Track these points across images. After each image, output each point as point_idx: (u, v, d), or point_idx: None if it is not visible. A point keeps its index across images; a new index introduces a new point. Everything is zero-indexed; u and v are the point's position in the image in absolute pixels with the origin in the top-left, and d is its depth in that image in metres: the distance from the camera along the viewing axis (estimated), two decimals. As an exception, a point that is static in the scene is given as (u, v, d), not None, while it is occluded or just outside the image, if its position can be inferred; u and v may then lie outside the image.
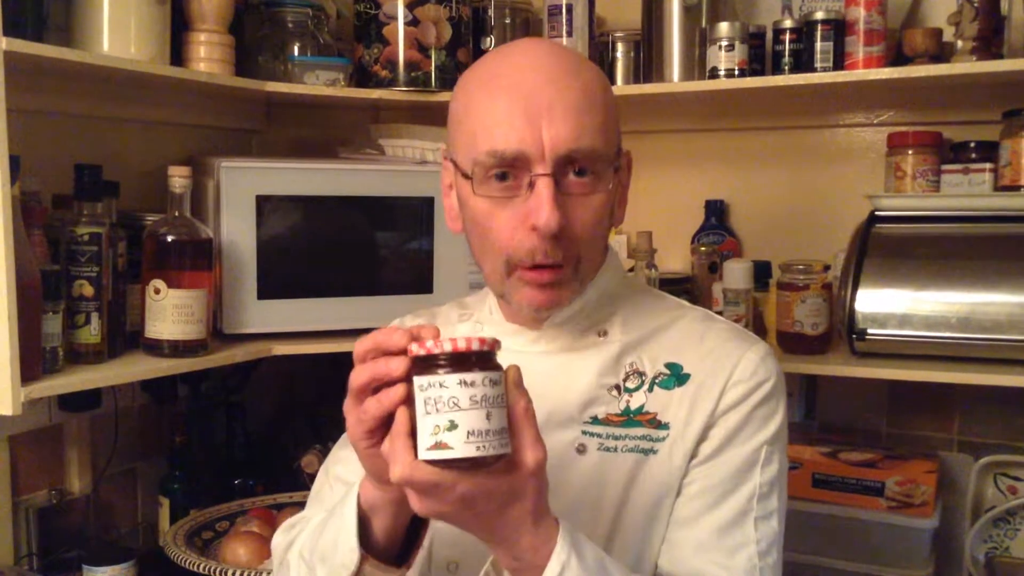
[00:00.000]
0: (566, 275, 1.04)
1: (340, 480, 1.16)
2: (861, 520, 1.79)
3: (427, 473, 0.83)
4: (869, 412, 2.00)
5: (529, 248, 1.01)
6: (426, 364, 0.83)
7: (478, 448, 0.81)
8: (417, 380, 0.83)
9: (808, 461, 1.86)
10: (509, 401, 0.86)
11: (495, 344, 0.85)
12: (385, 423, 0.87)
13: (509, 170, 1.01)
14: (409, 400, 0.85)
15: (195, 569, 1.61)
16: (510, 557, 0.91)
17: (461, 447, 0.81)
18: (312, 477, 1.93)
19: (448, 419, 0.81)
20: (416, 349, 0.84)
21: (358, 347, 0.90)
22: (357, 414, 0.90)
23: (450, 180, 1.12)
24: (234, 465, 2.05)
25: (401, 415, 0.85)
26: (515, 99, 1.00)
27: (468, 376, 0.82)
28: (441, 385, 0.82)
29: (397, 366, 0.86)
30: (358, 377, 0.89)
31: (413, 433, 0.84)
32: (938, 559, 1.82)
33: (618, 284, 1.15)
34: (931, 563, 1.78)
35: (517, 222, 1.01)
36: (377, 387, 0.88)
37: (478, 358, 0.83)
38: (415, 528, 1.00)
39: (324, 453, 1.96)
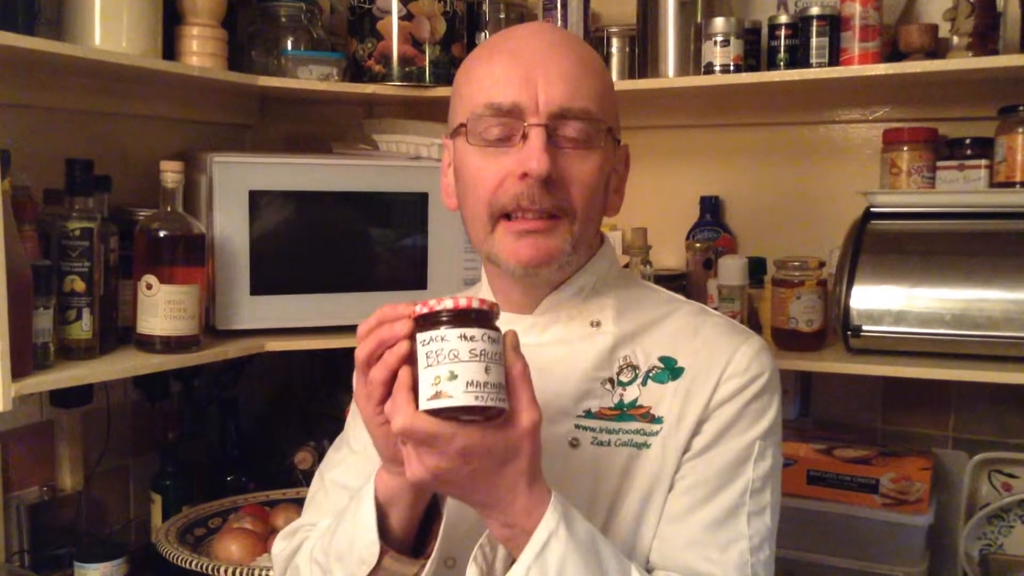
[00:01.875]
0: (557, 228, 1.05)
1: (337, 485, 1.16)
2: (856, 517, 1.79)
3: (427, 423, 0.85)
4: (864, 409, 2.00)
5: (515, 193, 1.03)
6: (428, 322, 0.88)
7: (476, 397, 0.85)
8: (420, 336, 0.87)
9: (803, 458, 1.85)
10: (507, 362, 0.89)
11: (494, 306, 0.90)
12: (391, 390, 0.89)
13: (506, 125, 1.04)
14: (412, 360, 0.88)
15: (187, 566, 1.60)
16: (503, 523, 0.92)
17: (460, 396, 0.85)
18: (305, 474, 1.94)
19: (448, 370, 0.85)
20: (419, 309, 0.89)
21: (362, 327, 0.93)
22: (366, 390, 0.92)
23: (449, 159, 1.14)
24: (227, 462, 2.04)
25: (403, 371, 0.88)
26: (514, 62, 1.05)
27: (468, 331, 0.86)
28: (442, 339, 0.86)
29: (402, 327, 0.89)
30: (363, 349, 0.91)
31: (415, 389, 0.87)
32: (932, 556, 1.83)
33: (612, 274, 1.16)
34: (925, 560, 1.78)
35: (507, 172, 1.04)
36: (382, 355, 0.90)
37: (478, 315, 0.88)
38: (427, 521, 1.01)
39: (317, 450, 1.97)
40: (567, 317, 1.12)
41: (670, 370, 1.09)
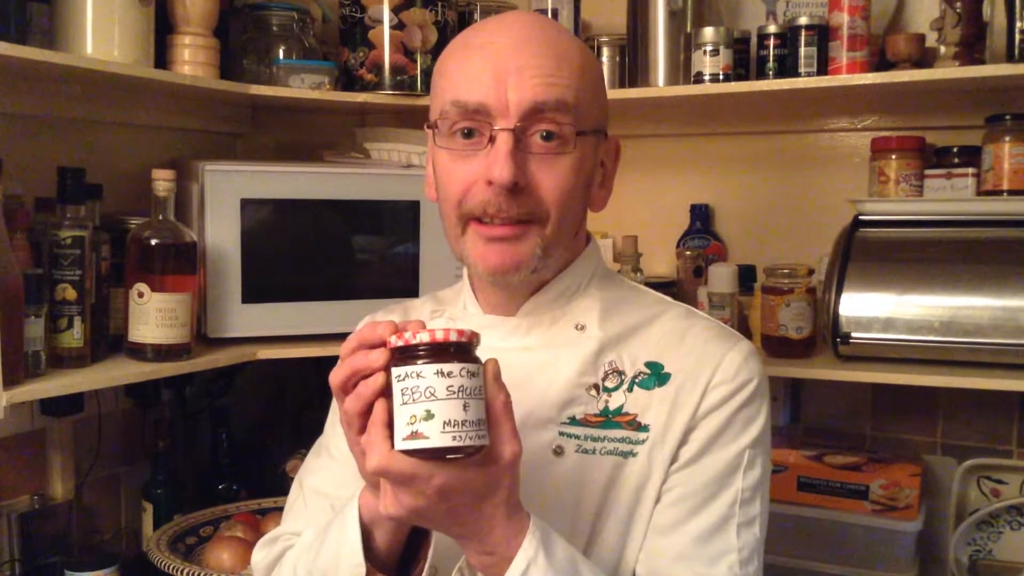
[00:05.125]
0: (526, 234, 1.02)
1: (317, 493, 1.15)
2: (846, 523, 1.80)
3: (404, 463, 0.83)
4: (853, 415, 2.00)
5: (482, 200, 1.01)
6: (404, 355, 0.84)
7: (454, 438, 0.81)
8: (395, 371, 0.83)
9: (793, 464, 1.86)
10: (488, 395, 0.86)
11: (474, 336, 0.86)
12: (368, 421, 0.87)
13: (473, 125, 1.01)
14: (388, 392, 0.84)
15: (179, 575, 1.60)
16: (481, 552, 0.90)
17: (437, 436, 0.81)
18: (297, 482, 1.93)
19: (424, 409, 0.81)
20: (395, 341, 0.84)
21: (343, 348, 0.90)
22: (345, 417, 0.89)
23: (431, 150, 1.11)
24: (218, 470, 2.04)
25: (379, 406, 0.85)
26: (485, 57, 1.01)
27: (445, 366, 0.82)
28: (418, 375, 0.82)
29: (376, 358, 0.86)
30: (337, 375, 0.89)
31: (392, 424, 0.84)
32: (922, 562, 1.83)
33: (597, 275, 1.13)
34: (915, 566, 1.79)
35: (476, 176, 1.01)
36: (357, 383, 0.87)
37: (456, 349, 0.84)
38: (412, 537, 0.99)
39: (309, 458, 1.96)
40: (550, 320, 1.09)
41: (656, 376, 1.07)
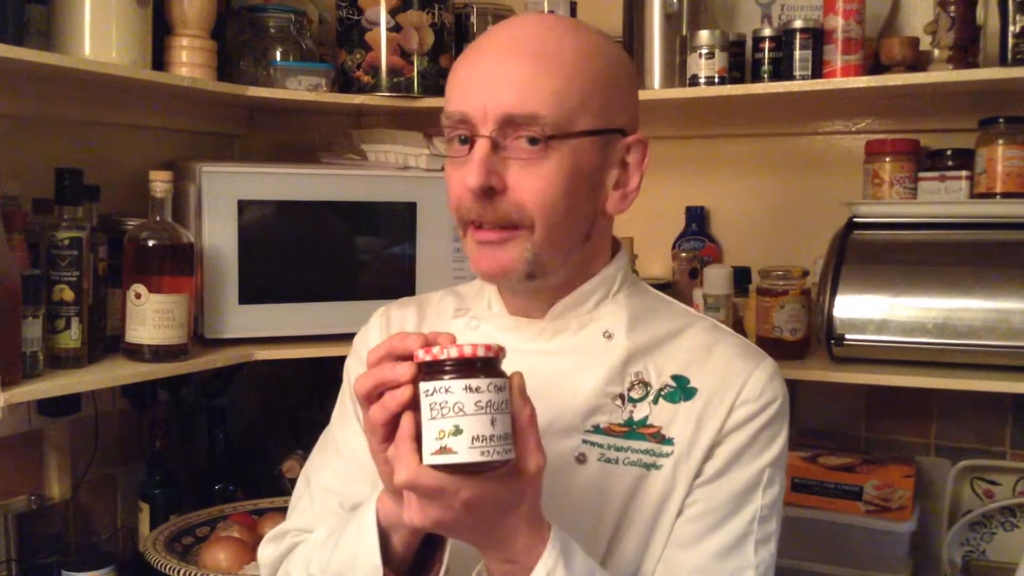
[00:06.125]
0: (512, 240, 1.01)
1: (323, 489, 1.15)
2: (840, 524, 1.80)
3: (432, 478, 0.84)
4: (847, 417, 2.01)
5: (466, 207, 1.02)
6: (432, 370, 0.84)
7: (482, 453, 0.82)
8: (423, 385, 0.84)
9: (788, 466, 1.86)
10: (513, 408, 0.86)
11: (500, 351, 0.86)
12: (395, 430, 0.87)
13: (464, 132, 1.02)
14: (415, 405, 0.85)
15: (175, 575, 1.60)
16: (502, 560, 0.91)
17: (465, 452, 0.82)
18: (293, 482, 1.93)
19: (453, 424, 0.82)
20: (422, 355, 0.85)
21: (370, 357, 0.90)
22: (370, 425, 0.90)
23: None
24: (215, 470, 2.04)
25: (406, 420, 0.85)
26: (477, 65, 1.03)
27: (473, 382, 0.83)
28: (447, 391, 0.83)
29: (404, 372, 0.86)
30: (362, 384, 0.89)
31: (419, 438, 0.84)
32: (916, 563, 1.84)
33: (625, 282, 1.13)
34: (909, 567, 1.79)
35: (462, 182, 1.01)
36: (382, 393, 0.88)
37: (483, 364, 0.84)
38: (427, 540, 0.99)
39: (305, 458, 1.96)
40: (578, 325, 1.09)
41: (682, 390, 1.07)
